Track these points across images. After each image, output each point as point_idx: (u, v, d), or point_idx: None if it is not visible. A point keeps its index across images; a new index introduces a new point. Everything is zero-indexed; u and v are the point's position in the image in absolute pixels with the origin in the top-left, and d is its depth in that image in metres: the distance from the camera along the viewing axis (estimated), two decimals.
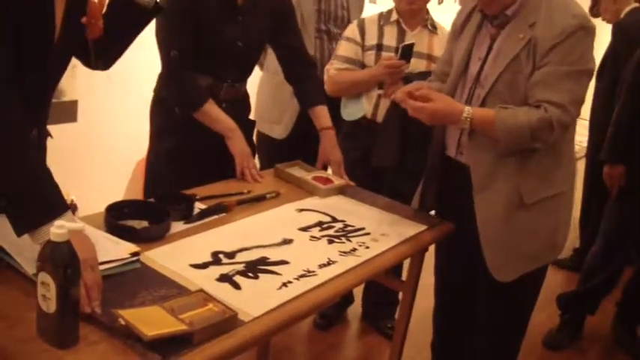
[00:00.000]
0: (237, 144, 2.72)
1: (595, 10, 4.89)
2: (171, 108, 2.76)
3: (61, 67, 1.93)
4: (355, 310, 4.03)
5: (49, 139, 2.09)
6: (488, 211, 2.40)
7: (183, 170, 2.76)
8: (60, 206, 1.63)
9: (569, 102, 2.22)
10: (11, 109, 1.64)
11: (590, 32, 2.24)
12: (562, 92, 2.22)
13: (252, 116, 3.17)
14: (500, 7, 2.33)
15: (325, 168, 3.01)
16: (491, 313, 2.63)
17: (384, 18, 3.30)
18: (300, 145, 3.42)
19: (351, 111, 3.34)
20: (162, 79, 2.76)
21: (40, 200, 1.62)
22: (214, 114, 2.70)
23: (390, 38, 3.25)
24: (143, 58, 3.10)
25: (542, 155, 2.33)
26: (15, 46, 1.70)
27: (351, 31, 3.33)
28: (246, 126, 2.90)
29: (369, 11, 3.74)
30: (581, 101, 2.29)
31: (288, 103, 3.47)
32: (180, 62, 2.62)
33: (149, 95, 2.88)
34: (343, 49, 3.32)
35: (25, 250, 1.67)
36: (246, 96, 3.02)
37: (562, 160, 2.40)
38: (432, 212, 2.73)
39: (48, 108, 1.98)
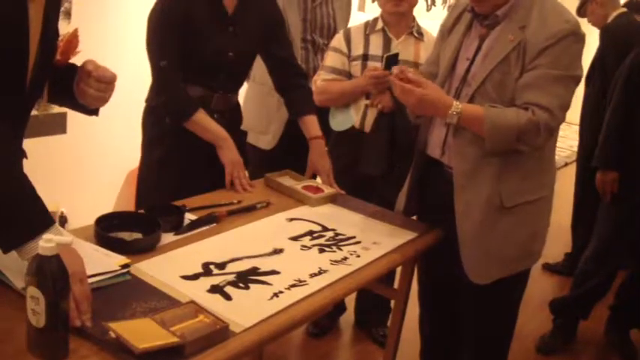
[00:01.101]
0: (228, 153, 2.72)
1: (582, 11, 4.91)
2: (161, 118, 2.76)
3: (37, 92, 1.91)
4: (348, 318, 4.03)
5: (32, 153, 2.07)
6: (467, 211, 2.39)
7: (174, 180, 2.75)
8: (45, 221, 1.62)
9: (557, 106, 2.23)
10: None
11: (580, 39, 2.26)
12: (551, 96, 2.22)
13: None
14: (491, 6, 2.33)
15: (314, 177, 3.01)
16: (476, 322, 2.63)
17: (369, 26, 3.31)
18: (287, 154, 3.41)
19: (340, 121, 3.34)
20: (153, 89, 2.75)
21: (25, 216, 1.61)
22: (205, 123, 2.69)
23: (376, 47, 3.26)
24: (134, 68, 3.10)
25: (526, 159, 2.33)
26: None
27: (337, 41, 3.34)
28: (238, 136, 2.89)
29: (358, 20, 3.75)
30: (568, 107, 2.30)
31: (274, 113, 3.47)
32: (170, 72, 2.62)
33: (140, 106, 2.88)
34: (330, 59, 3.32)
35: (13, 264, 1.66)
36: (238, 106, 3.02)
37: (544, 165, 2.41)
38: (414, 217, 2.73)
39: (24, 128, 1.97)
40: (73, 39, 1.97)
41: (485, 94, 2.31)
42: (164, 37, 2.61)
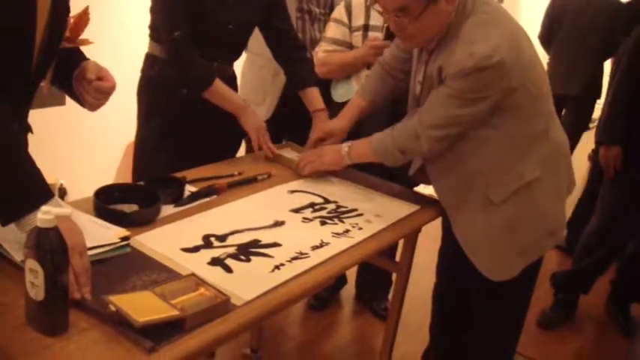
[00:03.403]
0: (251, 120, 2.72)
1: None
2: (157, 88, 2.74)
3: (44, 70, 1.89)
4: (349, 291, 4.03)
5: (32, 125, 2.06)
6: (464, 223, 2.38)
7: (172, 151, 2.73)
8: (45, 193, 1.60)
9: (430, 120, 2.24)
10: None
11: (488, 69, 2.08)
12: (432, 110, 2.24)
13: None
14: (418, 44, 2.33)
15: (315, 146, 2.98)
16: (485, 309, 2.59)
17: None
18: (282, 126, 3.40)
19: (342, 92, 3.32)
20: (167, 61, 2.71)
21: (24, 188, 1.59)
22: (224, 91, 2.69)
23: (377, 18, 3.22)
24: (131, 38, 3.06)
25: (494, 154, 2.28)
26: None
27: (338, 12, 3.31)
28: None
29: None
30: (451, 124, 2.24)
31: (270, 84, 3.44)
32: (184, 43, 2.59)
33: (136, 77, 2.84)
34: (331, 31, 3.29)
35: (11, 237, 1.64)
36: (234, 77, 2.99)
37: (522, 151, 2.29)
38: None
39: (30, 104, 1.95)
40: (84, 16, 1.95)
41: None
42: (174, 8, 2.57)
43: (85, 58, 1.99)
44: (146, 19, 2.73)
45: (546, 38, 5.72)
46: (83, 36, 2.00)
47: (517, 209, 2.31)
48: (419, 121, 2.26)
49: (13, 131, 1.70)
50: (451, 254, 2.69)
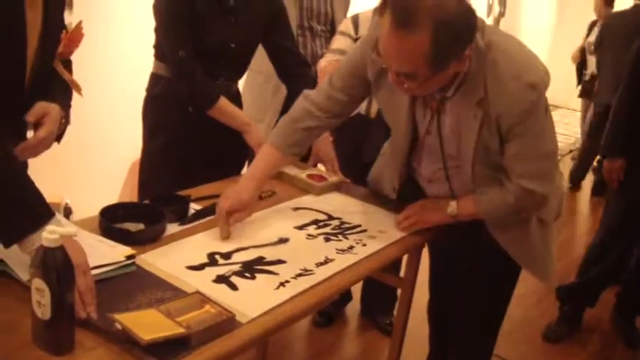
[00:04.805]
0: (255, 136, 2.73)
1: None
2: (161, 107, 2.76)
3: (39, 88, 1.90)
4: (354, 307, 4.03)
5: None
6: (518, 242, 2.37)
7: (177, 169, 2.75)
8: (46, 213, 1.61)
9: (539, 174, 2.18)
10: None
11: (544, 90, 2.06)
12: (534, 164, 2.17)
13: None
14: (432, 90, 2.09)
15: (316, 166, 2.99)
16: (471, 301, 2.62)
17: (377, 10, 3.28)
18: None
19: None
20: (171, 79, 2.72)
21: (25, 210, 1.60)
22: (228, 109, 2.72)
23: None
24: (135, 57, 3.08)
25: None
26: None
27: (345, 25, 3.33)
28: None
29: (357, 5, 3.74)
30: (553, 169, 2.28)
31: (270, 101, 3.46)
32: (189, 61, 2.62)
33: (141, 96, 2.86)
34: (337, 42, 3.31)
35: (17, 257, 1.65)
36: (238, 94, 3.00)
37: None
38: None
39: (25, 125, 1.97)
40: (77, 32, 1.96)
41: (481, 168, 2.22)
42: (177, 28, 2.60)
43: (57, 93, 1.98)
44: (152, 37, 2.75)
45: (596, 50, 6.35)
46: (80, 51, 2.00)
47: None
48: (526, 181, 2.15)
49: (9, 153, 1.71)
50: (439, 269, 2.75)
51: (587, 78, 7.28)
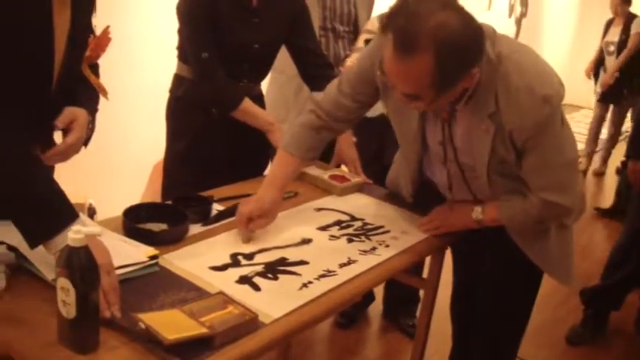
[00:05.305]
0: (278, 136, 2.71)
1: None
2: (185, 109, 2.76)
3: (65, 93, 1.91)
4: (376, 308, 4.02)
5: None
6: (539, 247, 2.35)
7: (198, 171, 2.76)
8: (70, 216, 1.63)
9: (560, 186, 2.15)
10: (1, 129, 1.62)
11: (559, 103, 2.03)
12: (553, 177, 2.13)
13: None
14: (440, 108, 2.08)
15: (339, 167, 2.99)
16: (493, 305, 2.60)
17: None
18: None
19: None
20: (194, 81, 2.74)
21: (49, 212, 1.62)
22: (252, 110, 2.72)
23: None
24: (158, 57, 3.09)
25: None
26: (14, 74, 1.70)
27: (371, 24, 3.31)
28: None
29: (381, 5, 3.71)
30: (575, 181, 2.24)
31: (292, 101, 3.45)
32: (212, 64, 2.62)
33: (165, 97, 2.88)
34: (362, 41, 3.29)
35: (43, 256, 1.66)
36: (261, 96, 3.01)
37: None
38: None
39: (53, 127, 1.98)
40: (104, 36, 1.97)
41: (498, 179, 2.20)
42: (200, 30, 2.60)
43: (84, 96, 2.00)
44: (175, 38, 2.76)
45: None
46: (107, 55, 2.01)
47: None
48: (547, 193, 2.13)
49: (34, 156, 1.73)
50: (462, 270, 2.76)
51: (611, 81, 7.02)
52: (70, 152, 1.91)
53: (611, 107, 7.33)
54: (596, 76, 7.48)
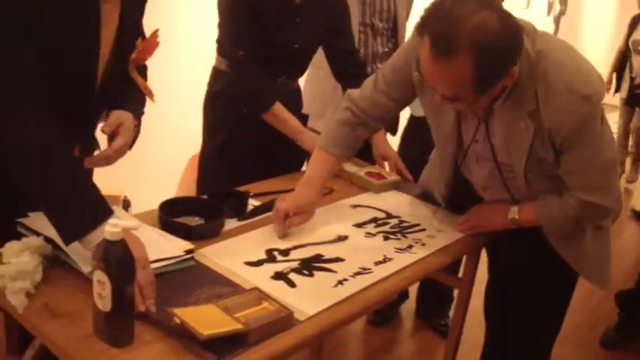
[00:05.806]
0: (310, 143, 2.68)
1: None
2: (222, 104, 2.76)
3: (109, 93, 1.92)
4: (409, 306, 4.00)
5: (100, 141, 2.09)
6: (576, 251, 2.32)
7: (234, 166, 2.75)
8: (105, 211, 1.63)
9: (600, 186, 2.12)
10: (41, 127, 1.63)
11: (599, 102, 1.99)
12: (594, 177, 2.10)
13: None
14: (480, 108, 2.06)
15: (382, 164, 2.97)
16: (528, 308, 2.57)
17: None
18: None
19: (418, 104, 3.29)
20: (230, 78, 2.74)
21: (85, 208, 1.63)
22: (282, 116, 2.70)
23: None
24: (196, 51, 3.09)
25: None
26: (59, 72, 1.71)
27: None
28: (299, 120, 2.87)
29: (421, 4, 3.68)
30: (615, 182, 2.22)
31: (330, 96, 3.44)
32: (248, 63, 2.61)
33: (202, 90, 2.88)
34: None
35: (80, 249, 1.67)
36: (298, 91, 3.01)
37: None
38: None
39: (95, 123, 1.99)
40: (153, 40, 1.96)
41: (535, 178, 2.17)
42: (240, 26, 2.59)
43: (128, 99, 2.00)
44: (215, 32, 2.76)
45: None
46: None
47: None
48: (584, 193, 2.09)
49: (71, 154, 1.74)
50: (497, 271, 2.70)
51: (637, 81, 6.64)
52: (116, 157, 1.92)
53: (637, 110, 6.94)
54: (619, 79, 7.06)
